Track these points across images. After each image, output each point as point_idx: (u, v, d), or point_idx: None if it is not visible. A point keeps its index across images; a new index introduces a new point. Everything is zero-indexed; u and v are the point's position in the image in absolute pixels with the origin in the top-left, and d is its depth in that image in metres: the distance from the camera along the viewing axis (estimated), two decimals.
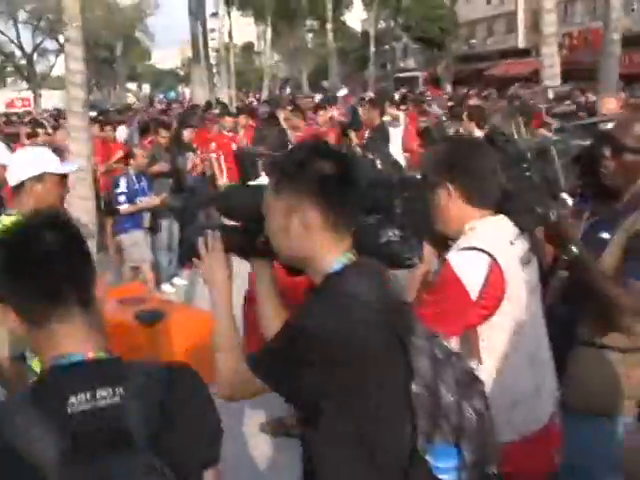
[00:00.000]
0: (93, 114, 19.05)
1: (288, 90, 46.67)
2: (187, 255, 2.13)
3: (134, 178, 8.05)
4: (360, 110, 12.81)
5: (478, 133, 7.02)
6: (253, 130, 13.06)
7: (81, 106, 7.33)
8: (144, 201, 8.01)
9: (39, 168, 3.43)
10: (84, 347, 1.54)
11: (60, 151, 6.13)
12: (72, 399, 1.44)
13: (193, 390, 1.62)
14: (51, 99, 44.17)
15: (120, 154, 11.15)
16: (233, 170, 11.54)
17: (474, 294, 2.28)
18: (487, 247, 2.32)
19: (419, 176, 2.67)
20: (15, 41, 50.92)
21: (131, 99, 58.48)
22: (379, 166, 6.50)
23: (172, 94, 64.71)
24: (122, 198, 7.89)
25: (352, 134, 11.31)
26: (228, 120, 11.91)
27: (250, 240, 2.05)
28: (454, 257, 2.35)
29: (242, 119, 13.16)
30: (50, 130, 9.29)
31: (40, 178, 3.43)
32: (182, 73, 66.70)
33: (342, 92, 25.38)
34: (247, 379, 1.83)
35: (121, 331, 4.91)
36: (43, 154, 3.58)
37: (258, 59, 58.77)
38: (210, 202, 3.24)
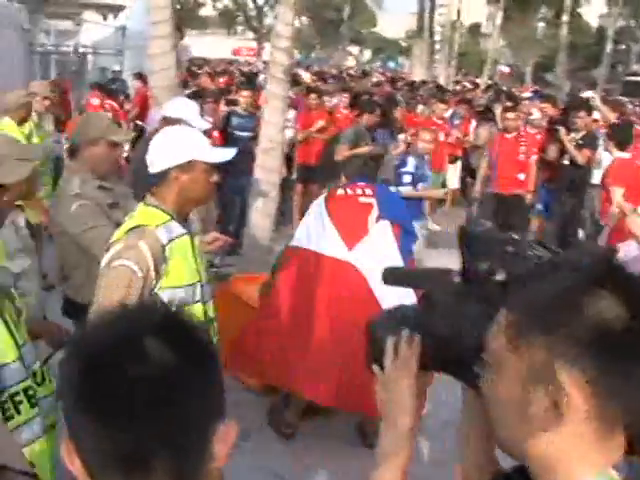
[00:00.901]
0: (305, 75, 18.87)
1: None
2: (370, 353, 1.49)
3: (421, 159, 7.43)
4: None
5: None
6: (468, 122, 12.23)
7: (282, 72, 6.81)
8: (426, 189, 7.47)
9: (187, 154, 2.94)
10: None
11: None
12: None
13: None
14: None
15: (321, 123, 10.73)
16: (436, 161, 10.82)
17: None
18: None
19: None
20: None
21: (351, 62, 58.74)
22: None
23: (391, 64, 64.28)
24: (407, 178, 7.27)
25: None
26: (440, 107, 11.09)
27: (462, 370, 1.34)
28: None
29: (460, 109, 12.37)
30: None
31: (188, 167, 2.94)
32: (404, 45, 65.97)
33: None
34: None
35: None
36: (193, 137, 3.06)
37: (483, 42, 56.94)
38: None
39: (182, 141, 2.98)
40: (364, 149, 8.33)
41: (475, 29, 61.12)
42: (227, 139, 8.47)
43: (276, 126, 6.95)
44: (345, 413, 5.00)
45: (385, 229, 4.69)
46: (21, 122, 6.56)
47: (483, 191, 9.50)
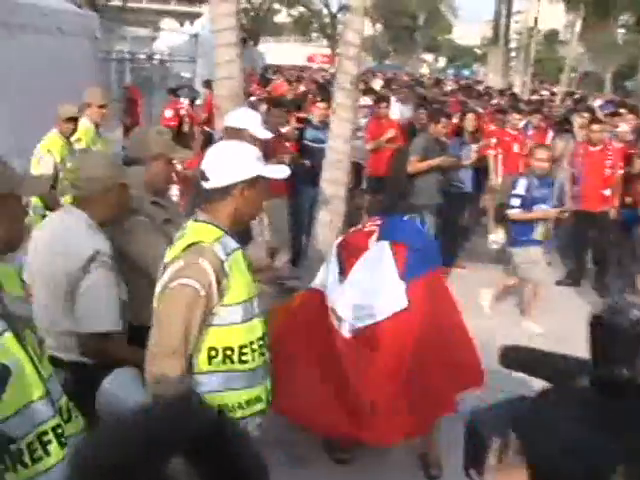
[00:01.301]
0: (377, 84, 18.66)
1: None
2: (471, 450, 1.24)
3: (536, 182, 7.24)
4: None
5: None
6: (544, 132, 11.78)
7: (350, 82, 6.59)
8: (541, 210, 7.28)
9: (254, 169, 2.87)
10: None
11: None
12: None
13: None
14: None
15: (392, 133, 10.46)
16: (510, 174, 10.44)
17: None
18: None
19: None
20: None
21: (425, 70, 58.29)
22: None
23: (466, 72, 63.54)
24: (516, 201, 7.22)
25: None
26: (515, 117, 10.70)
27: None
28: None
29: (533, 119, 11.92)
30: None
31: (253, 183, 2.86)
32: (479, 52, 65.16)
33: None
34: None
35: None
36: (253, 152, 2.95)
37: (560, 49, 55.71)
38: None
39: (246, 156, 2.90)
40: (436, 161, 8.06)
41: (552, 36, 59.86)
42: (301, 150, 8.33)
43: (343, 138, 6.73)
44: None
45: (382, 248, 4.67)
46: (70, 134, 6.50)
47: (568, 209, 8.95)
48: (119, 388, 2.90)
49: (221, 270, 2.72)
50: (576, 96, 22.99)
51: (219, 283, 2.71)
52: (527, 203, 7.17)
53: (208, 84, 12.65)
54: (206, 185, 2.86)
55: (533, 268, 7.32)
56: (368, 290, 4.58)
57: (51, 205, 6.18)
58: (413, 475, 4.74)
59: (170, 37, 25.52)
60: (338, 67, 7.08)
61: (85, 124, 7.09)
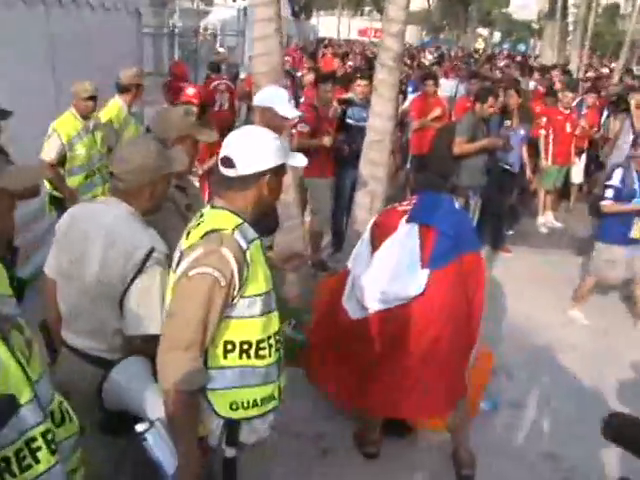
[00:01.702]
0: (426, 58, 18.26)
1: None
2: None
3: (635, 174, 6.64)
4: None
5: None
6: (597, 112, 11.33)
7: (393, 60, 6.32)
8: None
9: (281, 156, 2.77)
10: None
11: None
12: None
13: None
14: None
15: (438, 112, 10.16)
16: (562, 154, 10.08)
17: None
18: None
19: None
20: None
21: (480, 44, 57.20)
22: None
23: (522, 47, 62.18)
24: (609, 192, 6.67)
25: None
26: (567, 95, 10.29)
27: None
28: None
29: (589, 98, 11.47)
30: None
31: (278, 171, 2.78)
32: (536, 27, 63.65)
33: None
34: None
35: None
36: (277, 139, 2.80)
37: (622, 23, 54.09)
38: None
39: (272, 143, 2.76)
40: (483, 142, 7.76)
41: (613, 9, 58.16)
42: (345, 130, 8.10)
43: (385, 117, 6.47)
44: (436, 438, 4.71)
45: (410, 231, 4.49)
46: (89, 113, 6.35)
47: None
48: (127, 378, 2.77)
49: (243, 259, 2.58)
50: (635, 73, 22.19)
51: (241, 273, 2.57)
52: (622, 196, 6.61)
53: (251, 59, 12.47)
54: (230, 172, 2.70)
55: (611, 268, 6.88)
56: (387, 274, 4.42)
57: (57, 184, 6.16)
58: (442, 470, 4.57)
59: (222, 11, 25.40)
60: (380, 44, 6.79)
61: (117, 104, 6.96)
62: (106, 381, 2.80)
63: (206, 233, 2.59)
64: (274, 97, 4.80)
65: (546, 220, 10.55)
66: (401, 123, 10.37)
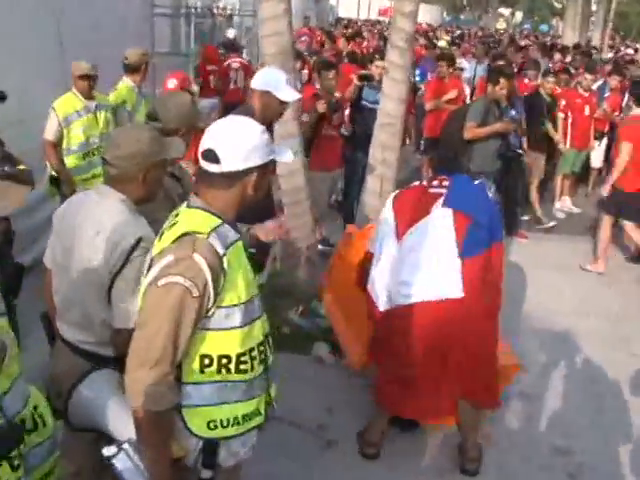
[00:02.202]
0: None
1: None
2: None
3: None
4: None
5: None
6: (620, 95, 11.07)
7: (404, 41, 6.16)
8: None
9: (269, 152, 2.53)
10: None
11: None
12: None
13: None
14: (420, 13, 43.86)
15: (454, 94, 9.99)
16: (580, 138, 9.87)
17: None
18: None
19: None
20: None
21: (501, 25, 56.52)
22: None
23: (544, 27, 61.39)
24: None
25: None
26: (588, 77, 10.05)
27: None
28: None
29: (612, 80, 11.18)
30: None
31: (266, 167, 2.53)
32: (559, 6, 62.82)
33: None
34: None
35: None
36: (264, 132, 2.55)
37: None
38: None
39: (260, 137, 2.49)
40: (495, 127, 7.58)
41: None
42: (358, 112, 7.98)
43: (395, 99, 6.32)
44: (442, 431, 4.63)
45: (445, 216, 4.18)
46: (87, 92, 6.26)
47: None
48: (96, 393, 2.64)
49: (219, 266, 2.35)
50: None
51: (216, 282, 2.34)
52: None
53: None
54: (212, 168, 2.44)
55: None
56: (419, 264, 4.16)
57: (55, 165, 6.16)
58: (447, 463, 4.48)
59: None
60: (392, 23, 6.63)
61: (127, 84, 6.86)
62: (72, 396, 2.65)
63: (179, 236, 2.37)
64: (272, 80, 4.61)
65: (562, 205, 10.36)
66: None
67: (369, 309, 4.47)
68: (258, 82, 4.69)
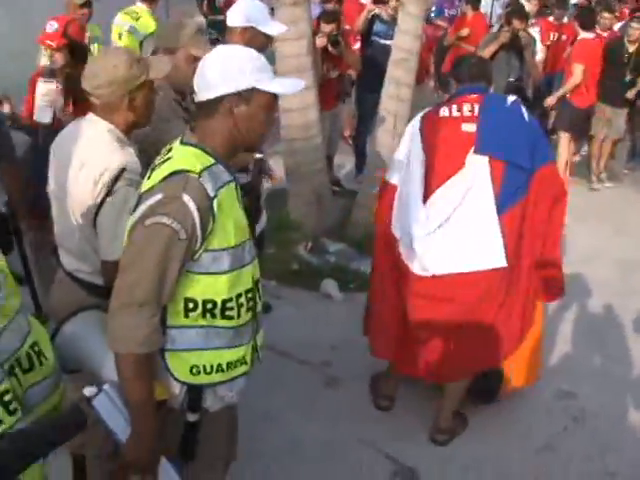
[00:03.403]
0: None
1: None
2: None
3: None
4: None
5: None
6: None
7: None
8: None
9: (248, 80, 2.31)
10: None
11: None
12: None
13: None
14: None
15: (465, 32, 9.69)
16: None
17: None
18: None
19: None
20: None
21: None
22: None
23: None
24: None
25: None
26: (606, 16, 9.36)
27: None
28: None
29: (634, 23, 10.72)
30: None
31: (246, 98, 2.32)
32: None
33: None
34: None
35: None
36: (255, 60, 2.38)
37: None
38: None
39: (242, 63, 2.32)
40: (499, 40, 7.65)
41: None
42: (368, 46, 7.82)
43: (411, 35, 6.13)
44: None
45: (481, 167, 3.78)
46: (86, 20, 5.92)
47: None
48: (81, 332, 2.58)
49: (208, 209, 2.25)
50: None
51: (204, 224, 2.25)
52: None
53: None
54: (197, 98, 2.36)
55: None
56: (456, 231, 3.82)
57: None
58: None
59: None
60: None
61: (146, 11, 6.68)
62: (58, 335, 2.56)
63: (169, 174, 2.26)
64: (254, 13, 4.11)
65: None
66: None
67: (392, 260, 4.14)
68: (238, 18, 4.13)
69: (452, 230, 3.82)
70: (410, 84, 6.29)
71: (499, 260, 3.79)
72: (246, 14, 4.07)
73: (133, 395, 2.26)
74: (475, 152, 3.78)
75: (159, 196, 2.22)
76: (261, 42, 4.01)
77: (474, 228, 3.80)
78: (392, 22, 7.26)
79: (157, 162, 2.39)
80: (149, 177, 2.35)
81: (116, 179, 2.68)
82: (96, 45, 5.95)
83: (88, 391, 2.26)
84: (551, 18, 10.32)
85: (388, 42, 7.13)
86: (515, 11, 8.11)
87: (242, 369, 2.52)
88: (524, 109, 3.97)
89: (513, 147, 3.81)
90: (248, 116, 2.33)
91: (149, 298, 2.22)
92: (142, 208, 2.25)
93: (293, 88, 2.46)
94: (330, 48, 6.94)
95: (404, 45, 6.15)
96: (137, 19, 6.57)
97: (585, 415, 4.52)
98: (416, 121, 4.11)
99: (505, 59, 7.70)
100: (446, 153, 3.88)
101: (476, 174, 3.79)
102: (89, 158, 2.74)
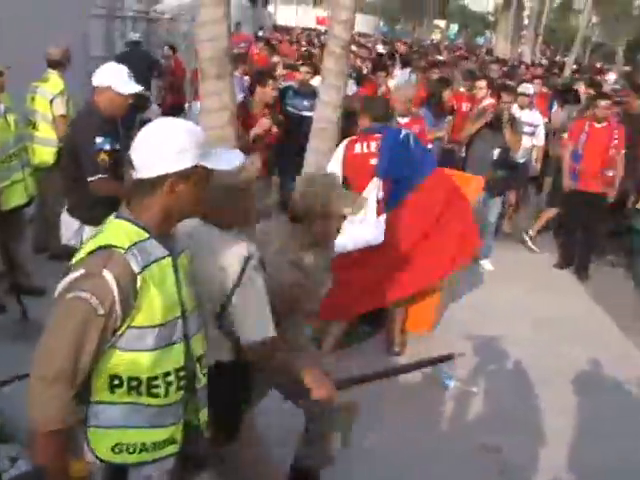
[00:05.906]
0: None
1: None
2: None
3: None
4: None
5: None
6: (545, 101, 11.41)
7: (341, 47, 6.27)
8: None
9: (189, 159, 2.30)
10: None
11: None
12: None
13: None
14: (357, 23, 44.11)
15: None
16: None
17: None
18: None
19: None
20: None
21: (436, 35, 57.29)
22: None
23: (480, 39, 62.44)
24: None
25: None
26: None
27: None
28: None
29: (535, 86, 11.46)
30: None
31: (188, 175, 2.31)
32: (492, 19, 63.99)
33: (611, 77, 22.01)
34: None
35: None
36: (195, 134, 2.36)
37: (574, 19, 54.55)
38: None
39: (183, 140, 2.30)
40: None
41: (565, 5, 58.70)
42: (286, 118, 7.98)
43: (332, 105, 6.41)
44: None
45: (375, 185, 5.40)
46: None
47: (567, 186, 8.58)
48: None
49: (130, 285, 2.21)
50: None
51: (125, 301, 2.21)
52: None
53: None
54: (136, 175, 2.32)
55: None
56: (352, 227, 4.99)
57: None
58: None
59: None
60: (329, 31, 6.74)
61: (57, 77, 6.94)
62: None
63: (96, 249, 2.25)
64: (111, 75, 4.74)
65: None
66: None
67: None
68: (98, 79, 4.78)
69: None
70: (329, 153, 6.50)
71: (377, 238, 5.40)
72: (105, 76, 4.75)
73: (46, 468, 2.20)
74: (376, 176, 5.40)
75: (82, 271, 2.22)
76: (119, 100, 4.74)
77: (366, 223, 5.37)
78: (304, 94, 7.54)
79: (89, 236, 2.39)
80: (79, 251, 2.34)
81: (244, 268, 2.79)
82: (11, 115, 5.81)
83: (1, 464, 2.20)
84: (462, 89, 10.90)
85: (303, 113, 7.42)
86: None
87: (170, 449, 2.45)
88: (412, 138, 5.59)
89: (397, 167, 5.42)
90: (188, 192, 2.33)
91: (62, 374, 2.18)
92: (65, 281, 2.24)
93: (235, 161, 2.47)
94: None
95: (324, 115, 6.40)
96: (46, 81, 6.85)
97: (510, 468, 4.61)
98: (341, 148, 5.59)
99: (490, 133, 8.14)
100: (361, 176, 5.43)
101: (372, 190, 5.36)
102: (218, 252, 2.82)
